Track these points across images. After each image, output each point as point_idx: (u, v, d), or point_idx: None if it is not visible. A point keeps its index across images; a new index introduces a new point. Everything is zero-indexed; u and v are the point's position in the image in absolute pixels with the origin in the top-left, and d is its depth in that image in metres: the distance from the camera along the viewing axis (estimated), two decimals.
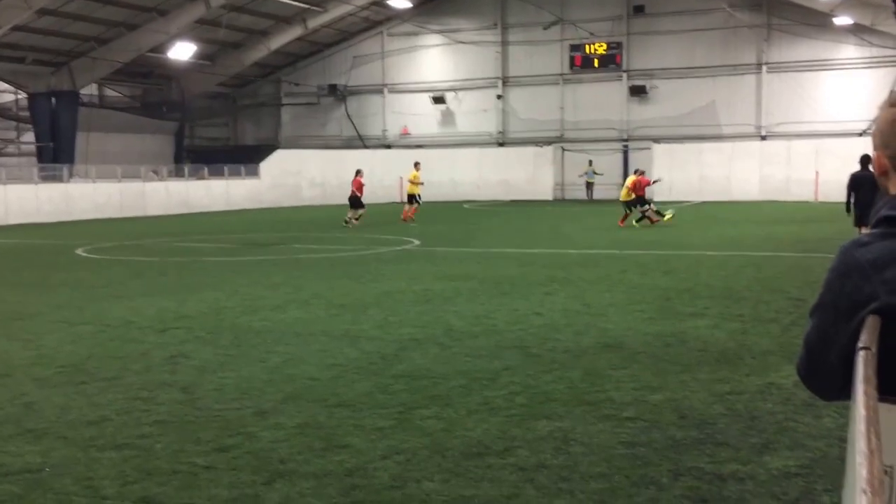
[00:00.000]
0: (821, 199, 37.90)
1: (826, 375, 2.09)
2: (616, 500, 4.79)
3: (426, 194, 45.42)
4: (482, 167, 47.09)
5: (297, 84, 51.58)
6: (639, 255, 18.16)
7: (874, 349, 1.69)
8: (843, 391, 2.07)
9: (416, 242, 21.77)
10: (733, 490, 4.90)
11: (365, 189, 28.70)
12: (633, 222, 26.55)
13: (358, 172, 28.58)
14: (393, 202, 45.28)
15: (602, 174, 45.17)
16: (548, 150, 46.68)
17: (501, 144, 48.50)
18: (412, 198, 29.95)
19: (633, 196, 26.94)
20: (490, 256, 18.34)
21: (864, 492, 0.94)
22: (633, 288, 13.15)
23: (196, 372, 8.08)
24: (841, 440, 5.67)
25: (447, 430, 6.10)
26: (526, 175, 46.55)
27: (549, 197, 46.15)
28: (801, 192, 39.71)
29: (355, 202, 28.05)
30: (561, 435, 5.96)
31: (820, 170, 38.68)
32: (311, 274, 15.57)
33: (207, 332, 10.04)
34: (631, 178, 27.57)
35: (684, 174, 42.74)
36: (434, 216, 33.48)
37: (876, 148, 2.12)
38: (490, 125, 49.03)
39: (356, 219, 27.71)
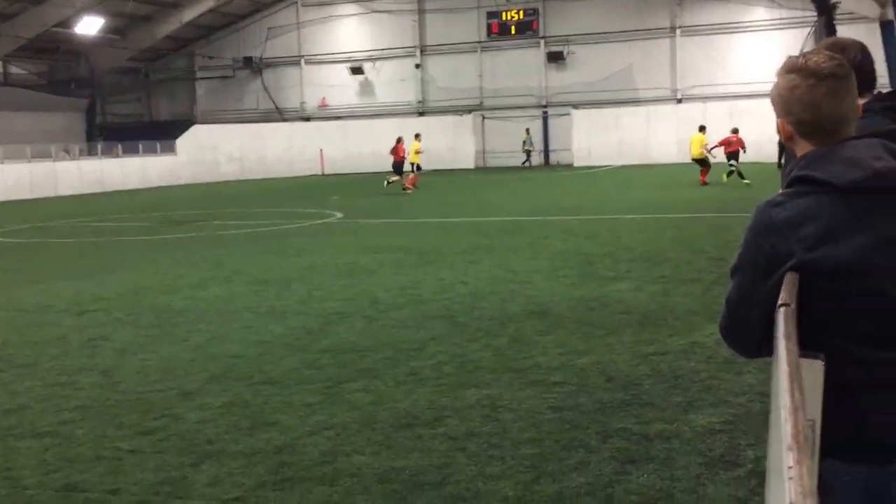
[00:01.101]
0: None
1: (748, 333, 2.14)
2: (546, 464, 4.84)
3: (352, 166, 45.02)
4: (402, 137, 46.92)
5: (211, 57, 50.49)
6: (562, 220, 18.34)
7: (793, 305, 1.71)
8: (764, 348, 2.12)
9: (339, 215, 21.62)
10: (660, 449, 5.00)
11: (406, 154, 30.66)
12: (725, 177, 27.31)
13: (399, 140, 30.76)
14: (314, 175, 44.91)
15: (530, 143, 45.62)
16: (468, 119, 46.73)
17: (421, 114, 48.34)
18: (414, 165, 30.94)
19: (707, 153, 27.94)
20: (414, 227, 18.31)
21: (790, 448, 0.95)
22: (557, 253, 13.28)
23: (116, 355, 7.89)
24: (762, 395, 5.84)
25: (376, 403, 6.09)
26: (447, 144, 46.49)
27: (471, 165, 46.25)
28: (718, 152, 40.50)
29: (397, 167, 30.13)
30: (490, 402, 5.99)
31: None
32: (233, 250, 15.34)
33: (127, 314, 9.81)
34: (697, 136, 28.48)
35: (603, 139, 43.29)
36: (356, 188, 33.26)
37: (778, 115, 2.17)
38: (409, 95, 48.81)
39: (409, 183, 29.70)
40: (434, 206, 23.74)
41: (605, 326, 8.24)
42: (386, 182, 29.73)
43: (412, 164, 30.88)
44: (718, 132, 36.41)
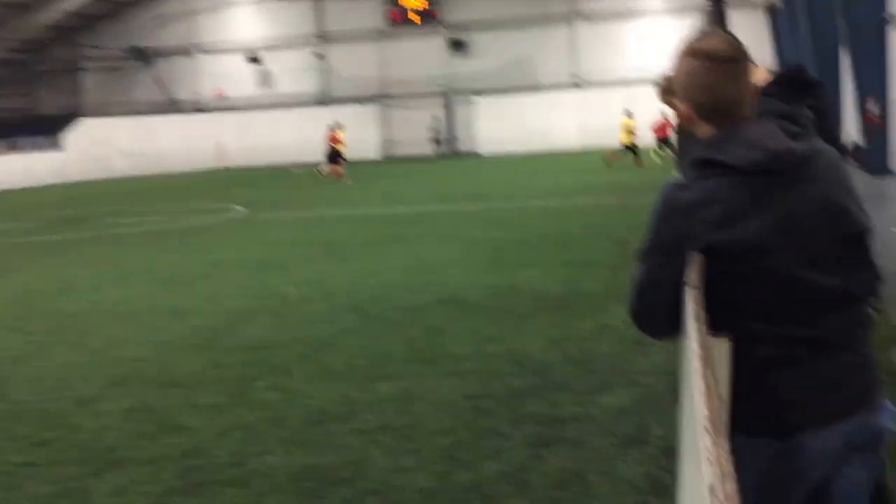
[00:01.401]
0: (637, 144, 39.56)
1: (657, 315, 2.18)
2: (461, 453, 4.88)
3: (254, 159, 44.29)
4: (305, 128, 46.24)
5: (96, 47, 48.93)
6: (471, 208, 18.45)
7: (700, 287, 1.76)
8: (673, 330, 2.17)
9: (242, 209, 21.28)
10: (572, 431, 5.09)
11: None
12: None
13: (332, 129, 30.23)
14: (212, 169, 44.07)
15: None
16: (371, 108, 46.52)
17: (323, 104, 47.91)
18: (338, 156, 30.25)
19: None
20: (321, 220, 18.17)
21: (707, 429, 0.97)
22: (467, 242, 13.36)
23: (6, 363, 7.60)
24: (669, 374, 5.99)
25: (287, 401, 6.03)
26: (351, 134, 46.04)
27: (377, 155, 46.08)
28: (618, 138, 41.28)
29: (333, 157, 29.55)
30: (403, 394, 6.00)
31: (635, 116, 40.29)
32: (130, 249, 14.95)
33: (17, 320, 9.46)
34: (625, 121, 29.12)
35: (506, 126, 43.65)
36: (258, 181, 32.79)
37: (678, 97, 2.21)
38: (310, 85, 48.32)
39: (330, 174, 29.27)
40: (341, 197, 23.58)
41: (516, 313, 8.33)
42: (317, 171, 29.74)
43: (338, 153, 30.58)
44: (621, 117, 36.97)
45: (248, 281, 11.06)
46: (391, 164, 41.19)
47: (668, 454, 4.59)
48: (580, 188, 21.45)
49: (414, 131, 46.66)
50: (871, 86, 19.42)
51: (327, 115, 45.97)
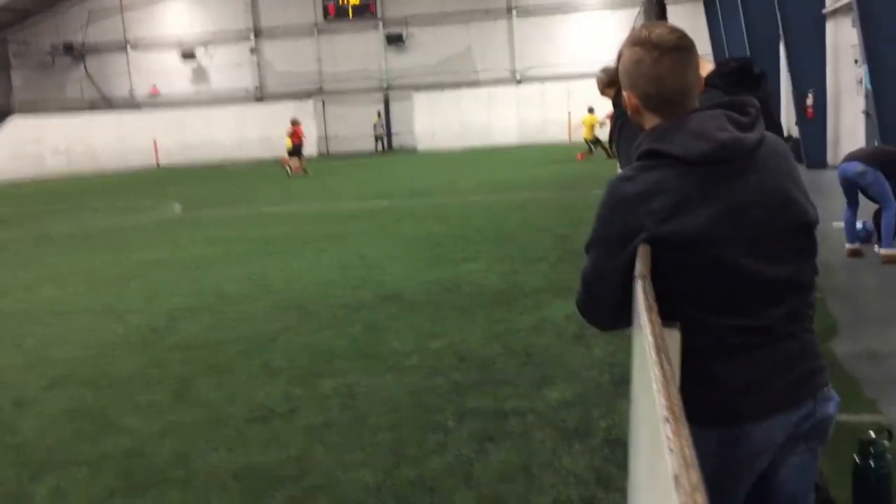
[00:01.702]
0: (574, 138, 39.99)
1: (604, 307, 2.19)
2: (406, 448, 4.88)
3: (190, 157, 43.52)
4: (241, 125, 45.82)
5: (26, 43, 47.73)
6: (411, 204, 18.43)
7: (650, 276, 1.78)
8: (619, 321, 2.19)
9: (178, 208, 20.97)
10: (516, 425, 5.12)
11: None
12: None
13: (295, 122, 30.54)
14: (149, 167, 43.33)
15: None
16: (308, 104, 46.14)
17: (260, 100, 47.44)
18: (297, 150, 30.46)
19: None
20: (259, 217, 17.99)
21: (667, 419, 0.98)
22: (408, 238, 13.35)
23: None
24: (611, 366, 6.08)
25: (228, 399, 5.97)
26: (288, 131, 45.76)
27: (314, 152, 45.74)
28: (556, 133, 41.72)
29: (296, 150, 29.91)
30: (346, 391, 5.98)
31: (572, 111, 40.72)
32: (65, 248, 14.63)
33: None
34: (587, 117, 29.64)
35: (445, 121, 43.71)
36: (195, 179, 32.33)
37: (624, 88, 2.21)
38: (246, 80, 47.80)
39: (297, 168, 29.72)
40: (279, 194, 23.38)
41: (457, 308, 8.35)
42: (288, 171, 29.64)
43: (296, 147, 30.70)
44: (559, 111, 37.19)
45: (185, 279, 10.90)
46: (330, 160, 40.96)
47: (613, 446, 4.66)
48: (521, 183, 21.57)
49: (353, 127, 46.52)
50: (807, 79, 19.80)
51: (263, 111, 45.65)
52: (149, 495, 4.46)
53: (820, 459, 2.29)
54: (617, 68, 2.25)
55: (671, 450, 0.93)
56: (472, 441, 4.92)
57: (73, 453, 5.12)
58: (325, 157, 44.36)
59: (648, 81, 2.10)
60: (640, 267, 1.85)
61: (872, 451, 3.56)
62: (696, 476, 0.88)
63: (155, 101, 47.93)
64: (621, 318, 2.15)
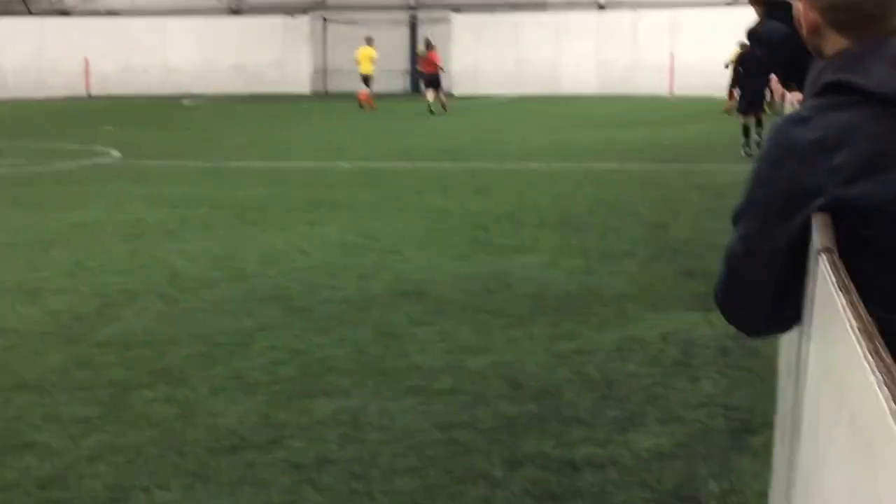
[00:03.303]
0: (677, 92, 39.87)
1: (758, 299, 2.18)
2: (433, 501, 4.88)
3: (134, 85, 43.89)
4: (208, 46, 46.08)
5: None
6: (441, 168, 18.47)
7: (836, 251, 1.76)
8: (775, 322, 2.17)
9: (116, 154, 21.14)
10: (591, 481, 5.11)
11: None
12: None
13: (430, 45, 35.82)
14: (77, 97, 43.67)
15: None
16: (303, 22, 46.31)
17: (235, 12, 47.68)
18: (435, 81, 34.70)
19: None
20: (227, 172, 18.10)
21: None
22: (436, 214, 13.38)
23: None
24: (726, 408, 6.05)
25: (184, 418, 6.01)
26: (272, 58, 46.03)
27: (307, 89, 45.93)
28: (651, 82, 41.53)
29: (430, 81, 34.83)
30: (349, 418, 6.00)
31: (676, 52, 40.56)
32: None
33: None
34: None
35: (494, 57, 43.67)
36: (141, 117, 32.56)
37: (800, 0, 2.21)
38: None
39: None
40: (255, 144, 23.49)
41: (507, 314, 8.34)
42: (431, 106, 33.38)
43: (366, 76, 34.81)
44: (657, 52, 36.87)
45: (125, 250, 11.00)
46: (328, 101, 41.10)
47: None
48: (599, 149, 21.52)
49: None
50: None
51: (239, 28, 45.83)
52: None
53: None
54: None
55: None
56: (528, 498, 4.91)
57: None
58: (322, 96, 44.49)
59: None
60: (822, 240, 1.83)
61: None
62: None
63: (89, 6, 48.25)
64: (779, 317, 2.14)
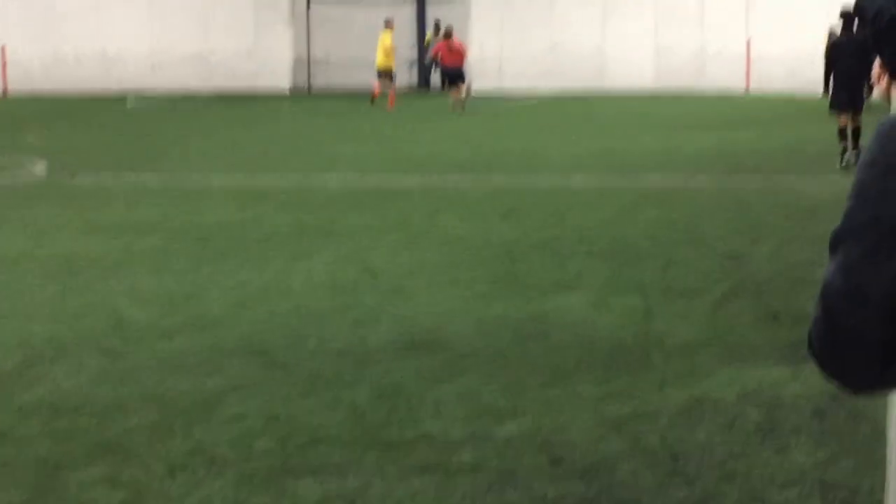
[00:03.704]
0: (755, 86, 39.85)
1: (863, 345, 2.17)
2: None
3: (63, 79, 44.15)
4: (160, 29, 46.23)
5: None
6: (458, 184, 18.50)
7: None
8: (885, 375, 2.18)
9: (41, 168, 21.19)
10: None
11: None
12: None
13: (448, 34, 35.90)
14: None
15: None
16: (282, 2, 46.47)
17: None
18: (386, 73, 35.54)
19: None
20: (186, 191, 18.15)
21: None
22: (453, 243, 13.41)
23: None
24: (823, 483, 6.05)
25: None
26: (242, 45, 46.15)
27: (286, 85, 46.02)
28: (722, 75, 41.54)
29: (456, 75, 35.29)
30: (346, 503, 6.01)
31: (754, 38, 40.59)
32: None
33: None
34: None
35: (524, 44, 43.76)
36: (72, 121, 32.68)
37: None
38: None
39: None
40: (220, 155, 23.57)
41: (544, 369, 8.37)
42: (453, 104, 34.17)
43: (384, 70, 35.36)
44: (732, 38, 37.02)
45: (53, 292, 11.05)
46: (314, 100, 41.22)
47: None
48: (657, 159, 21.56)
49: (355, 46, 46.66)
50: None
51: (197, 6, 45.95)
52: None
53: None
54: None
55: None
56: None
57: None
58: (305, 94, 44.60)
59: None
60: None
61: None
62: None
63: None
64: (890, 371, 2.14)
